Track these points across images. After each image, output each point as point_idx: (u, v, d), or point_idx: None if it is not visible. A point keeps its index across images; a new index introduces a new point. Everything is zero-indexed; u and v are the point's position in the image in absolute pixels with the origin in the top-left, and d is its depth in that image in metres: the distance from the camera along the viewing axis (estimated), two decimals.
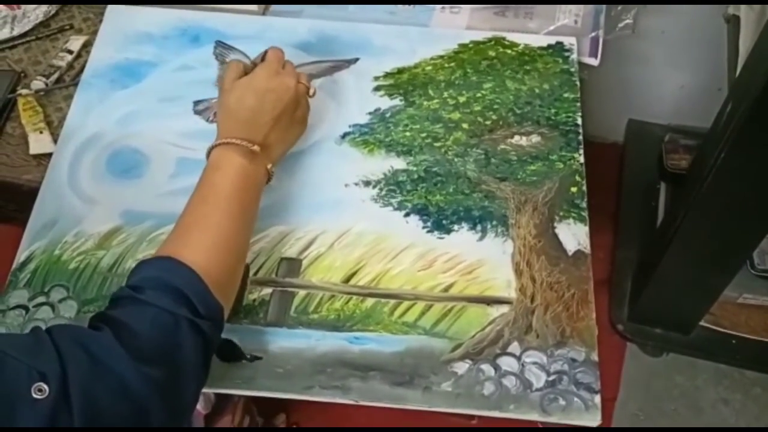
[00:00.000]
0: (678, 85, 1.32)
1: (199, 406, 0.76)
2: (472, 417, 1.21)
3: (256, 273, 0.72)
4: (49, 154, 0.80)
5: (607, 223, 1.35)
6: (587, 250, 0.74)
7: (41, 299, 0.70)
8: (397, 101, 0.84)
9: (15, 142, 0.82)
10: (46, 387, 0.46)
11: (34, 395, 0.45)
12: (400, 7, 0.94)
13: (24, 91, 0.85)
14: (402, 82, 0.85)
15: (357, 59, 0.87)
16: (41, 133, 0.81)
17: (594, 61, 0.91)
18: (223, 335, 0.63)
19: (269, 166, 0.69)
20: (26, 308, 0.69)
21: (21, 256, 0.72)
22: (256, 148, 0.67)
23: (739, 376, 1.20)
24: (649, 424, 1.16)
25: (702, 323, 1.15)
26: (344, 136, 0.81)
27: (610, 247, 1.32)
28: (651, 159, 1.34)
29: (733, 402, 1.18)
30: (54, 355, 0.48)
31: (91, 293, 0.70)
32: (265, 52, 0.75)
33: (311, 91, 0.75)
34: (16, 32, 0.92)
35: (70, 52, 0.90)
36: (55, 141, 0.81)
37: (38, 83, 0.86)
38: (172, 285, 0.55)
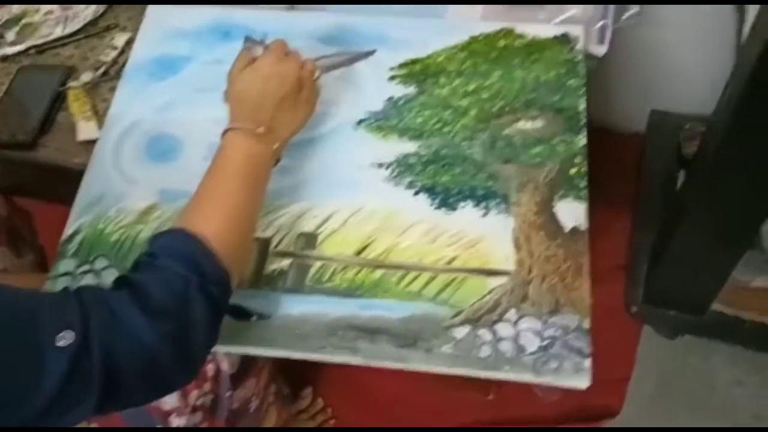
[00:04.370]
0: (698, 74, 1.34)
1: (225, 367, 0.84)
2: (487, 393, 1.26)
3: (276, 246, 0.79)
4: (95, 141, 0.88)
5: (628, 210, 1.38)
6: (583, 226, 0.78)
7: (86, 267, 0.78)
8: (410, 89, 0.90)
9: (66, 130, 0.91)
10: (72, 334, 0.53)
11: (59, 343, 0.53)
12: None
13: (73, 84, 0.95)
14: (415, 72, 0.91)
15: (374, 51, 0.93)
16: (88, 121, 0.90)
17: (602, 49, 0.95)
18: (248, 300, 0.71)
19: (275, 146, 0.74)
20: (73, 275, 0.78)
21: (69, 229, 0.81)
22: (261, 129, 0.72)
23: (756, 357, 1.21)
24: (663, 403, 1.19)
25: (716, 307, 1.17)
26: (360, 122, 0.87)
27: (629, 233, 1.35)
28: (671, 147, 1.36)
29: (749, 384, 1.19)
30: (78, 309, 0.56)
31: (130, 263, 0.76)
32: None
33: (317, 74, 0.80)
34: (68, 31, 1.01)
35: (115, 48, 0.99)
36: (101, 128, 0.89)
37: (86, 77, 0.95)
38: (183, 252, 0.63)
